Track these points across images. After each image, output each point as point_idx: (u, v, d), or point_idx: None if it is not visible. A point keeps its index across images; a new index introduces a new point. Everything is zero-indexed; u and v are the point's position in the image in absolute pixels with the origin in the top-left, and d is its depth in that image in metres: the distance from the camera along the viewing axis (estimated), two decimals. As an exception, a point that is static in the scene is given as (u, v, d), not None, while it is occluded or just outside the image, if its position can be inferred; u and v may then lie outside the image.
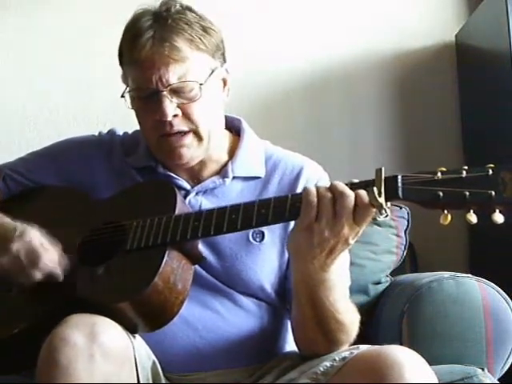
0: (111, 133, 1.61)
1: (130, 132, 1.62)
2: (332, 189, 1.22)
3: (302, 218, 1.23)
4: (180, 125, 1.41)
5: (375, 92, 2.49)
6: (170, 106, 1.39)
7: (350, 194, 1.20)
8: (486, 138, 2.29)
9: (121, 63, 1.48)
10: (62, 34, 2.40)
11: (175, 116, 1.40)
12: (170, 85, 1.39)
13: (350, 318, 1.34)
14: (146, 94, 1.40)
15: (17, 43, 2.39)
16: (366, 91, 2.48)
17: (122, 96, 1.46)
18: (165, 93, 1.38)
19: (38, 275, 1.32)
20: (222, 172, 1.50)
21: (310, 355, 1.35)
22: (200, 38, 1.41)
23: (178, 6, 1.44)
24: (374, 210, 1.19)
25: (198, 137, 1.43)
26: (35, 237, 1.33)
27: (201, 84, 1.41)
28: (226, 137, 1.55)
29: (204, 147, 1.45)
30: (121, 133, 1.61)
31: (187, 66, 1.40)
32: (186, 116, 1.41)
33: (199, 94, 1.41)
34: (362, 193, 1.20)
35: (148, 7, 1.45)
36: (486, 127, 2.30)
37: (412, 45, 2.49)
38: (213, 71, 1.45)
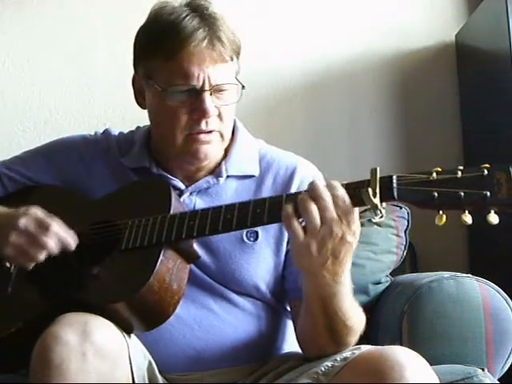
0: (107, 133, 1.61)
1: (125, 132, 1.62)
2: (310, 190, 1.22)
3: (292, 237, 1.22)
4: (213, 125, 1.42)
5: (375, 92, 2.48)
6: (212, 106, 1.40)
7: (323, 192, 1.20)
8: (486, 138, 2.29)
9: (148, 55, 1.44)
10: (62, 34, 2.40)
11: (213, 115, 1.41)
12: (216, 85, 1.39)
13: (358, 321, 1.34)
14: (184, 91, 1.40)
15: (17, 43, 2.39)
16: (366, 91, 2.48)
17: (139, 89, 1.47)
18: (209, 92, 1.39)
19: (50, 243, 1.30)
20: (215, 171, 1.50)
21: (315, 357, 1.35)
22: (234, 41, 1.43)
23: (212, 8, 1.44)
24: (353, 204, 1.19)
25: (222, 137, 1.45)
26: (39, 210, 1.33)
27: (243, 87, 1.44)
28: None
29: (223, 147, 1.47)
30: (116, 133, 1.61)
31: (230, 67, 1.42)
32: (220, 117, 1.42)
33: (237, 98, 1.43)
34: (341, 191, 1.20)
35: (171, 2, 1.44)
36: (486, 127, 2.30)
37: (412, 45, 2.49)
38: (237, 74, 1.47)
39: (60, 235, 1.32)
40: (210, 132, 1.42)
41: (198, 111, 1.39)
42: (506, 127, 2.13)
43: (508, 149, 2.10)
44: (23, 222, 1.31)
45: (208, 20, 1.41)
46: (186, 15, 1.40)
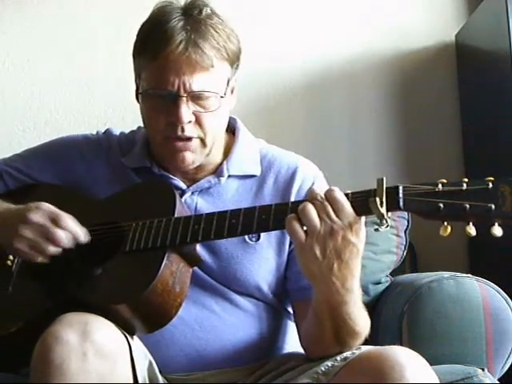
0: (108, 132, 1.61)
1: (126, 132, 1.62)
2: (309, 196, 1.24)
3: (296, 243, 1.24)
4: (191, 131, 1.41)
5: (375, 92, 2.48)
6: (187, 112, 1.38)
7: (319, 194, 1.22)
8: (486, 138, 2.29)
9: (138, 53, 1.44)
10: (62, 34, 2.40)
11: (189, 122, 1.40)
12: (191, 91, 1.38)
13: (364, 325, 1.34)
14: (163, 94, 1.39)
15: (17, 43, 2.39)
16: (366, 91, 2.48)
17: (137, 86, 1.46)
18: (184, 98, 1.38)
19: (63, 236, 1.31)
20: (217, 171, 1.50)
21: (318, 358, 1.34)
22: (224, 47, 1.40)
23: (208, 10, 1.42)
24: (360, 213, 1.21)
25: (203, 143, 1.44)
26: (50, 205, 1.34)
27: (221, 97, 1.41)
28: (222, 137, 1.54)
29: (206, 153, 1.46)
30: (117, 133, 1.61)
31: (211, 74, 1.39)
32: (198, 123, 1.41)
33: (216, 106, 1.41)
34: (337, 193, 1.22)
35: (173, 2, 1.43)
36: (486, 127, 2.30)
37: (412, 45, 2.49)
38: (229, 80, 1.45)
39: (72, 229, 1.32)
40: (189, 139, 1.41)
41: (173, 116, 1.39)
42: (506, 127, 2.13)
43: (508, 149, 2.10)
44: (35, 215, 1.31)
45: (193, 25, 1.39)
46: (175, 17, 1.39)
